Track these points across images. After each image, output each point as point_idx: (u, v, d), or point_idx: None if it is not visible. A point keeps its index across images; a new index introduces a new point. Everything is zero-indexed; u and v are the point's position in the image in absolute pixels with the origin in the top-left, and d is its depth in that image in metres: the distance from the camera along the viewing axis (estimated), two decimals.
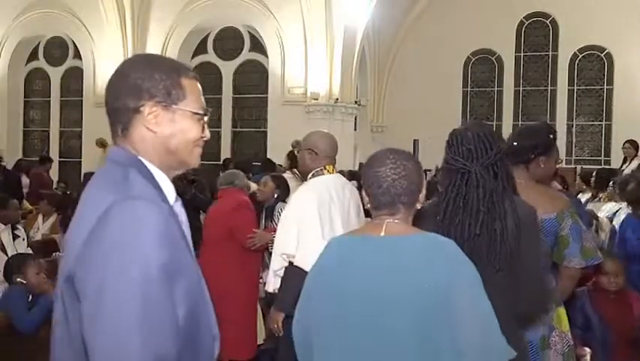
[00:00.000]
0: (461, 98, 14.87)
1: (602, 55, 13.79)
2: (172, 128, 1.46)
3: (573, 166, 12.83)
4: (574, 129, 14.15)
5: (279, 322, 3.38)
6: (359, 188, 3.54)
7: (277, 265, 3.45)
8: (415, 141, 12.19)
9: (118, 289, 1.26)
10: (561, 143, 13.00)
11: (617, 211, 5.29)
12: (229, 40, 13.62)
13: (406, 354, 1.77)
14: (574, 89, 14.13)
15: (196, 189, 7.02)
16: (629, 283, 3.97)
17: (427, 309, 1.75)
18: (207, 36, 13.59)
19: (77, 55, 14.28)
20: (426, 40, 14.29)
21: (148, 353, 1.26)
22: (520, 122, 13.97)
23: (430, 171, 9.44)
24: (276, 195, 5.34)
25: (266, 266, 4.44)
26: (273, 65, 12.42)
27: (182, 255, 1.38)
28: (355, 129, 13.01)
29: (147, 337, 1.26)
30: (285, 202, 3.98)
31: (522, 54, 14.46)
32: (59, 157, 14.53)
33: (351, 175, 4.79)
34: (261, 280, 4.77)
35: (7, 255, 5.20)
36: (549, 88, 14.32)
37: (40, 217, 7.51)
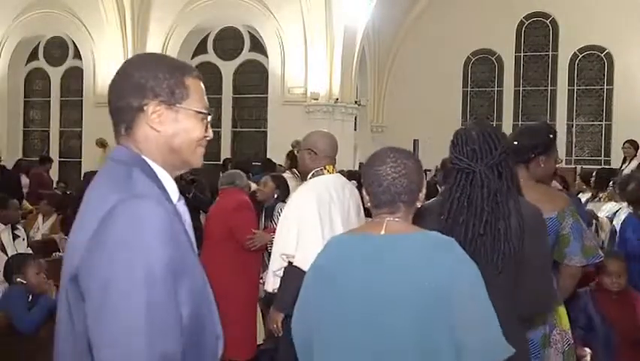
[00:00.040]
0: (461, 98, 14.88)
1: (602, 55, 13.79)
2: (175, 128, 1.46)
3: (573, 166, 12.83)
4: (574, 129, 14.15)
5: (278, 322, 3.37)
6: (358, 188, 3.54)
7: (276, 265, 3.45)
8: (415, 141, 12.20)
9: (123, 289, 1.26)
10: (561, 143, 13.02)
11: (617, 211, 5.28)
12: (229, 40, 13.62)
13: (406, 352, 1.77)
14: (574, 89, 14.14)
15: (196, 189, 7.03)
16: (630, 282, 3.97)
17: (427, 307, 1.76)
18: (207, 36, 13.59)
19: (77, 55, 14.28)
20: (426, 40, 14.29)
21: (153, 353, 1.26)
22: (520, 122, 13.98)
23: (429, 171, 9.44)
24: (275, 196, 5.34)
25: (266, 266, 4.44)
26: (273, 65, 12.42)
27: (186, 254, 1.38)
28: (355, 129, 13.02)
29: (152, 337, 1.26)
30: (285, 202, 3.98)
31: (522, 54, 14.46)
32: (59, 157, 14.53)
33: (350, 175, 4.78)
34: (261, 280, 4.77)
35: (7, 255, 5.20)
36: (549, 88, 14.32)
37: (40, 217, 7.51)
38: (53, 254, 6.42)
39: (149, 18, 13.05)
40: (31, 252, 5.45)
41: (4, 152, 13.84)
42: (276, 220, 4.87)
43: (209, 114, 1.51)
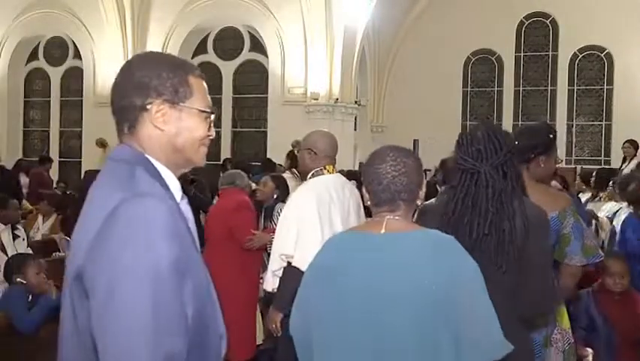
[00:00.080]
0: (461, 98, 14.88)
1: (602, 55, 13.79)
2: (179, 126, 1.46)
3: (573, 166, 12.83)
4: (574, 129, 14.15)
5: (277, 322, 3.37)
6: (358, 187, 3.54)
7: (276, 265, 3.44)
8: (415, 141, 12.20)
9: (128, 288, 1.26)
10: (561, 143, 13.02)
11: (617, 211, 5.28)
12: (229, 40, 13.61)
13: (406, 350, 1.78)
14: (574, 89, 14.13)
15: (196, 189, 7.03)
16: (630, 283, 3.97)
17: (427, 305, 1.76)
18: (207, 36, 13.59)
19: (77, 55, 14.28)
20: (426, 40, 14.29)
21: (159, 353, 1.25)
22: (520, 122, 13.97)
23: (429, 171, 9.43)
24: (275, 196, 5.34)
25: (266, 266, 4.44)
26: (273, 65, 12.42)
27: (190, 253, 1.38)
28: (355, 129, 13.01)
29: (158, 336, 1.25)
30: (285, 203, 3.98)
31: (522, 54, 14.46)
32: (59, 157, 14.52)
33: (349, 175, 4.77)
34: (261, 281, 4.77)
35: (7, 255, 5.20)
36: (549, 88, 14.32)
37: (40, 217, 7.51)
38: (53, 254, 6.42)
39: (149, 18, 13.05)
40: (31, 252, 5.45)
41: (4, 152, 13.85)
42: (275, 220, 4.87)
43: (213, 113, 1.51)
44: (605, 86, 13.87)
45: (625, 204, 5.11)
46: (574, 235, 2.70)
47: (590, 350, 3.53)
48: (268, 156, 10.41)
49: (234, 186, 5.02)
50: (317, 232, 3.22)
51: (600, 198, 6.44)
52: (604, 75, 13.87)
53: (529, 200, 2.35)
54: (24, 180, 9.99)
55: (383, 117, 15.16)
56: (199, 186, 7.22)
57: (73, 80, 14.57)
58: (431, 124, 13.63)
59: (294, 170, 7.18)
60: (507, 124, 14.07)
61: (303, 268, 2.98)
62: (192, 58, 13.30)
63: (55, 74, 14.87)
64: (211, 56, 13.60)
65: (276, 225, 4.01)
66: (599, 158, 13.80)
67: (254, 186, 6.08)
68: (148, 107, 1.43)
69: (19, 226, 5.92)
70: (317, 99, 11.71)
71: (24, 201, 8.76)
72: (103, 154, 11.95)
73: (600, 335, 3.67)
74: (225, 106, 13.50)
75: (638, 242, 4.56)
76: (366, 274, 1.84)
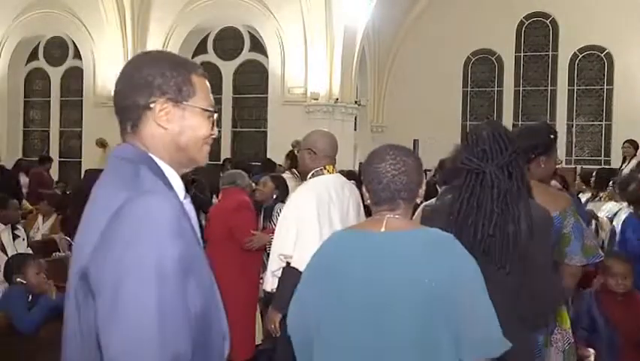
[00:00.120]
0: (461, 98, 14.87)
1: (602, 55, 13.79)
2: (182, 125, 1.45)
3: (573, 166, 12.82)
4: (574, 129, 14.14)
5: (276, 322, 3.36)
6: (358, 187, 3.53)
7: (275, 265, 3.43)
8: (415, 140, 12.20)
9: (133, 288, 1.25)
10: (561, 143, 13.01)
11: (617, 212, 5.28)
12: (229, 40, 13.62)
13: (406, 348, 1.78)
14: (574, 89, 14.13)
15: (196, 189, 7.02)
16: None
17: (426, 303, 1.77)
18: (207, 36, 13.59)
19: (77, 55, 14.28)
20: (426, 40, 14.29)
21: (165, 353, 1.25)
22: (520, 122, 13.96)
23: (429, 171, 9.43)
24: (275, 196, 5.34)
25: (266, 266, 4.44)
26: (273, 65, 12.42)
27: (194, 251, 1.37)
28: (355, 129, 13.01)
29: (164, 336, 1.25)
30: (284, 203, 3.98)
31: (522, 54, 14.46)
32: (59, 157, 14.53)
33: (348, 175, 4.77)
34: (261, 281, 4.77)
35: (7, 255, 5.20)
36: (549, 88, 14.31)
37: (39, 217, 7.51)
38: (53, 254, 6.43)
39: (149, 18, 13.05)
40: (31, 252, 5.45)
41: (4, 152, 13.85)
42: (274, 221, 4.87)
43: (216, 112, 1.51)
44: (605, 86, 13.87)
45: (625, 204, 5.11)
46: (574, 235, 2.70)
47: (592, 351, 3.52)
48: (268, 156, 10.40)
49: (235, 185, 5.02)
50: (316, 232, 3.21)
51: (600, 198, 6.44)
52: (604, 75, 13.87)
53: (535, 201, 2.34)
54: (24, 179, 9.98)
55: (383, 117, 15.16)
56: (199, 186, 7.22)
57: (73, 80, 14.57)
58: (431, 124, 13.63)
59: (294, 170, 7.18)
60: (507, 124, 13.79)
61: (302, 268, 2.97)
62: (192, 58, 13.28)
63: (55, 74, 14.87)
64: (211, 56, 13.60)
65: (275, 225, 4.01)
66: (599, 158, 13.80)
67: (254, 186, 6.08)
68: (151, 105, 1.43)
69: (19, 226, 5.92)
70: (317, 99, 11.71)
71: (24, 201, 8.76)
72: (103, 154, 11.95)
73: (602, 336, 3.66)
74: (225, 106, 13.50)
75: (638, 242, 4.56)
76: (366, 272, 1.84)
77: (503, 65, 14.55)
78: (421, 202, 2.68)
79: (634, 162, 9.09)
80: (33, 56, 14.97)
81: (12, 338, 3.92)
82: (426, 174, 7.69)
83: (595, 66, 13.93)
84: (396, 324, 1.79)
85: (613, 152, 13.11)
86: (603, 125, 13.96)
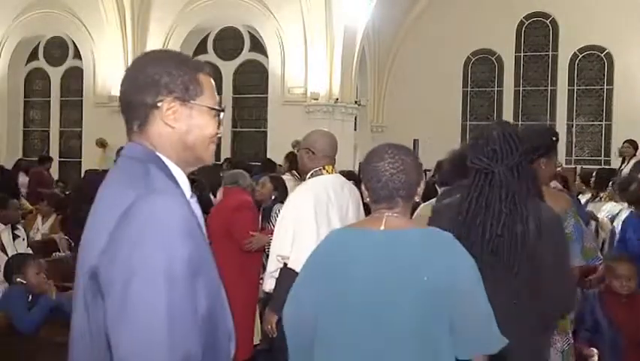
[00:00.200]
0: (461, 98, 14.87)
1: (602, 55, 13.79)
2: (190, 124, 1.45)
3: (573, 166, 12.83)
4: (574, 129, 14.14)
5: (273, 323, 3.34)
6: (357, 186, 3.52)
7: (273, 266, 3.42)
8: (415, 140, 12.20)
9: (143, 288, 1.25)
10: (561, 143, 12.98)
11: (618, 212, 5.28)
12: (229, 40, 13.62)
13: (405, 345, 1.80)
14: (574, 89, 14.13)
15: (197, 189, 7.02)
16: None
17: (425, 301, 1.79)
18: (207, 36, 13.59)
19: (77, 55, 14.28)
20: (426, 40, 14.29)
21: (176, 354, 1.24)
22: (520, 123, 13.95)
23: (429, 171, 9.43)
24: (273, 197, 5.34)
25: (265, 267, 4.44)
26: (273, 65, 12.42)
27: (203, 251, 1.37)
28: (355, 129, 13.01)
29: (174, 337, 1.25)
30: (283, 204, 3.98)
31: (522, 54, 14.45)
32: (59, 157, 14.53)
33: (347, 176, 4.77)
34: (261, 282, 4.77)
35: (7, 255, 5.20)
36: (549, 88, 14.31)
37: (39, 218, 7.51)
38: (53, 254, 6.43)
39: (149, 18, 13.05)
40: (31, 252, 5.45)
41: (4, 152, 13.88)
42: (273, 222, 4.87)
43: (222, 110, 1.51)
44: (605, 86, 13.87)
45: (625, 204, 5.11)
46: (574, 237, 2.70)
47: (595, 350, 3.52)
48: (268, 156, 10.40)
49: (237, 185, 5.01)
50: (313, 233, 3.19)
51: (600, 198, 6.44)
52: (604, 75, 13.86)
53: (544, 203, 2.34)
54: (23, 179, 9.98)
55: (383, 117, 15.16)
56: (200, 186, 7.21)
57: (73, 80, 14.57)
58: (431, 124, 13.63)
59: (294, 172, 7.16)
60: None
61: (298, 269, 2.97)
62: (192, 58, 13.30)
63: (55, 74, 14.87)
64: (211, 56, 13.59)
65: (273, 226, 4.00)
66: (599, 158, 13.80)
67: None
68: (159, 104, 1.42)
69: (19, 226, 5.92)
70: (317, 99, 11.71)
71: (23, 201, 8.75)
72: (103, 154, 11.96)
73: (605, 338, 3.65)
74: (225, 106, 13.48)
75: (638, 242, 4.56)
76: (366, 270, 1.86)
77: (503, 65, 14.55)
78: (419, 202, 2.68)
79: (633, 162, 9.08)
80: (33, 56, 14.98)
81: (12, 338, 3.92)
82: (426, 174, 7.69)
83: (595, 66, 13.93)
84: (395, 322, 1.80)
85: (613, 152, 13.09)
86: (603, 125, 13.96)
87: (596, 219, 5.64)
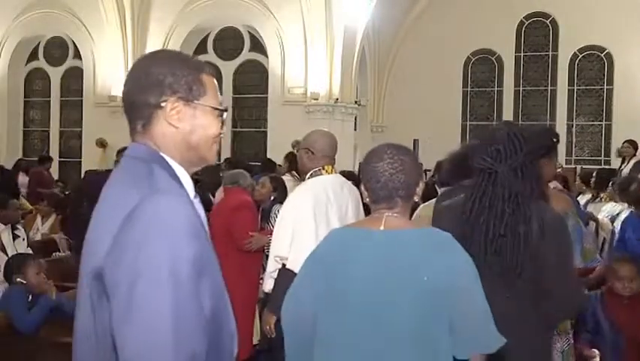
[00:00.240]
0: (461, 98, 14.87)
1: (602, 55, 13.79)
2: (193, 124, 1.45)
3: (573, 166, 12.83)
4: (574, 129, 14.14)
5: (271, 323, 3.34)
6: (356, 187, 3.52)
7: (272, 266, 3.42)
8: (415, 140, 12.20)
9: (148, 290, 1.25)
10: (561, 143, 12.94)
11: (618, 213, 5.27)
12: (229, 40, 13.61)
13: (405, 345, 1.80)
14: (574, 89, 14.13)
15: (200, 189, 7.02)
16: None
17: (424, 300, 1.80)
18: (207, 36, 13.59)
19: (77, 55, 14.27)
20: (426, 40, 14.29)
21: (181, 355, 1.25)
22: (520, 123, 13.93)
23: (429, 171, 9.43)
24: (272, 198, 5.33)
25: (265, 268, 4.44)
26: (273, 65, 12.42)
27: (207, 251, 1.37)
28: (355, 129, 13.01)
29: (179, 338, 1.25)
30: (282, 204, 3.98)
31: (522, 54, 14.45)
32: (59, 157, 14.52)
33: (348, 176, 4.76)
34: (260, 282, 4.77)
35: (7, 255, 5.20)
36: (549, 88, 14.31)
37: (39, 218, 7.52)
38: (53, 254, 6.43)
39: (149, 18, 13.05)
40: (31, 252, 5.45)
41: (4, 152, 13.87)
42: (272, 222, 4.86)
43: (225, 110, 1.52)
44: (605, 86, 13.87)
45: (625, 205, 5.10)
46: (574, 238, 2.70)
47: (596, 352, 3.52)
48: (268, 156, 10.39)
49: (238, 185, 5.02)
50: (312, 233, 3.18)
51: (600, 198, 6.43)
52: (604, 75, 13.86)
53: (548, 204, 2.34)
54: (23, 179, 9.98)
55: (383, 117, 15.16)
56: (202, 186, 7.21)
57: (73, 80, 14.56)
58: (431, 124, 13.63)
59: (293, 173, 7.15)
60: None
61: (297, 270, 2.96)
62: None
63: (55, 74, 14.87)
64: (211, 56, 13.58)
65: (272, 226, 4.00)
66: (599, 158, 13.80)
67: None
68: (162, 104, 1.42)
69: (19, 226, 5.93)
70: (317, 99, 11.71)
71: (23, 201, 8.75)
72: (103, 154, 11.96)
73: (606, 339, 3.64)
74: (227, 106, 13.49)
75: (638, 242, 4.55)
76: (366, 270, 1.86)
77: (503, 65, 14.55)
78: (419, 202, 2.67)
79: (633, 162, 9.08)
80: (33, 56, 14.97)
81: (12, 338, 3.92)
82: (426, 174, 7.70)
83: (595, 66, 13.93)
84: (394, 322, 1.81)
85: (613, 152, 13.11)
86: (603, 126, 13.96)
87: (596, 219, 5.64)
